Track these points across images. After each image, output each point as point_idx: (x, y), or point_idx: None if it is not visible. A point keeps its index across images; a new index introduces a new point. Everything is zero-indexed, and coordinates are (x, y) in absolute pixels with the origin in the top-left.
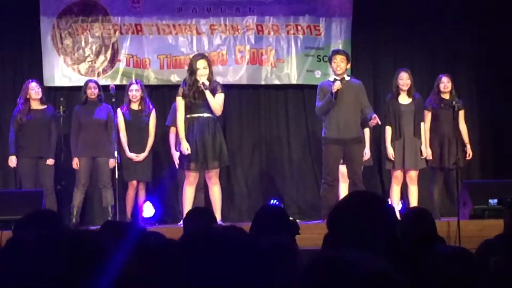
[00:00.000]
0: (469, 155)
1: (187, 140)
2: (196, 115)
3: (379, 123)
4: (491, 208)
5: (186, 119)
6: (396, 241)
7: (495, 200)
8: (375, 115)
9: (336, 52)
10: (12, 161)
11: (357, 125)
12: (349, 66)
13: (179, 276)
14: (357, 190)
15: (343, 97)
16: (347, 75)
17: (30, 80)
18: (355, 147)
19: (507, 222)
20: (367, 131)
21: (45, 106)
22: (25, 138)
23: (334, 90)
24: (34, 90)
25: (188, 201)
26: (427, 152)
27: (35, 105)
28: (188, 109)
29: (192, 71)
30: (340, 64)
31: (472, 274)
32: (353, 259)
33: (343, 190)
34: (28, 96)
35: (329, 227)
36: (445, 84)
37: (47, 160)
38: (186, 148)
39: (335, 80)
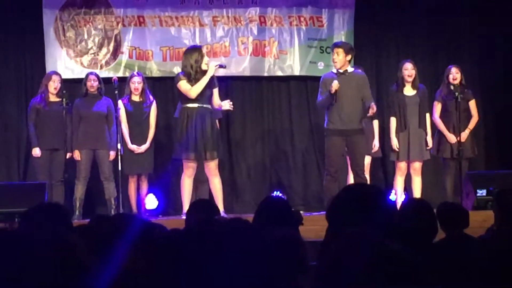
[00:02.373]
0: (462, 137)
1: (187, 130)
2: (196, 105)
3: (375, 110)
4: (485, 199)
5: (185, 109)
6: (393, 233)
7: (483, 191)
8: (372, 104)
9: (334, 45)
10: (36, 152)
11: (359, 116)
12: (349, 57)
13: (182, 267)
14: (358, 182)
15: (345, 89)
16: (351, 67)
17: (52, 72)
18: (356, 138)
19: (496, 214)
20: (376, 123)
21: (61, 99)
22: (40, 129)
23: (332, 91)
24: (54, 83)
25: (187, 193)
26: (449, 137)
27: (52, 97)
28: (189, 99)
29: (197, 60)
30: (337, 56)
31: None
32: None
33: (351, 181)
34: (46, 87)
35: (328, 220)
36: (454, 75)
37: (67, 154)
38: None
39: (338, 73)
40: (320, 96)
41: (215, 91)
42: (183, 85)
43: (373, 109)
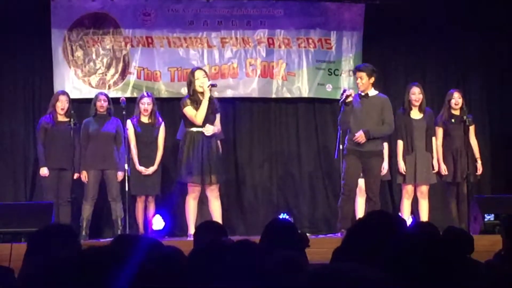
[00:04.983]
0: (478, 170)
1: (191, 154)
2: (200, 129)
3: (360, 141)
4: (493, 223)
5: (189, 133)
6: (407, 259)
7: (492, 216)
8: (357, 134)
9: (357, 69)
10: (44, 171)
11: (378, 139)
12: (372, 80)
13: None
14: (376, 210)
15: (366, 112)
16: (374, 90)
17: (60, 91)
18: (372, 161)
19: (504, 239)
20: (385, 145)
21: (69, 119)
22: (48, 149)
23: (342, 98)
24: (61, 103)
25: (192, 214)
26: (441, 167)
27: (60, 117)
28: (193, 123)
29: (191, 81)
30: (361, 80)
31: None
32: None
33: (360, 204)
34: (54, 107)
35: (345, 242)
36: (456, 99)
37: (75, 174)
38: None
39: (360, 96)
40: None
41: (218, 116)
42: (189, 111)
43: (356, 137)
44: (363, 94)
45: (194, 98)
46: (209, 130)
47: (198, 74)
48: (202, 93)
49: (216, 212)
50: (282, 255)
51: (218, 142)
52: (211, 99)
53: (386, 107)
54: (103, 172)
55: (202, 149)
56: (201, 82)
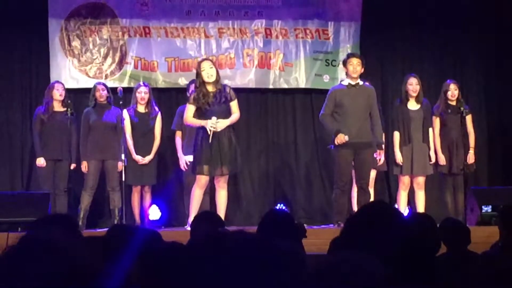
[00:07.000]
0: (469, 159)
1: (202, 144)
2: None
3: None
4: (490, 214)
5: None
6: (407, 251)
7: (489, 207)
8: (379, 152)
9: (352, 55)
10: (41, 162)
11: (368, 129)
12: (363, 70)
13: (187, 280)
14: (363, 196)
15: (356, 102)
16: (361, 80)
17: (55, 81)
18: (366, 152)
19: (501, 230)
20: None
21: (66, 109)
22: (44, 139)
23: (337, 143)
24: (58, 91)
25: (196, 204)
26: (439, 157)
27: (57, 107)
28: (203, 115)
29: (198, 73)
30: (357, 67)
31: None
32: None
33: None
34: (51, 97)
35: (344, 233)
36: (453, 91)
37: (71, 165)
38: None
39: (349, 85)
40: (324, 110)
41: (232, 104)
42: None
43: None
44: (352, 83)
45: (201, 90)
46: (215, 125)
47: (205, 65)
48: (210, 84)
49: (221, 204)
50: (279, 246)
51: (232, 133)
52: (219, 88)
53: (374, 99)
54: (104, 162)
55: (212, 141)
56: (207, 73)
